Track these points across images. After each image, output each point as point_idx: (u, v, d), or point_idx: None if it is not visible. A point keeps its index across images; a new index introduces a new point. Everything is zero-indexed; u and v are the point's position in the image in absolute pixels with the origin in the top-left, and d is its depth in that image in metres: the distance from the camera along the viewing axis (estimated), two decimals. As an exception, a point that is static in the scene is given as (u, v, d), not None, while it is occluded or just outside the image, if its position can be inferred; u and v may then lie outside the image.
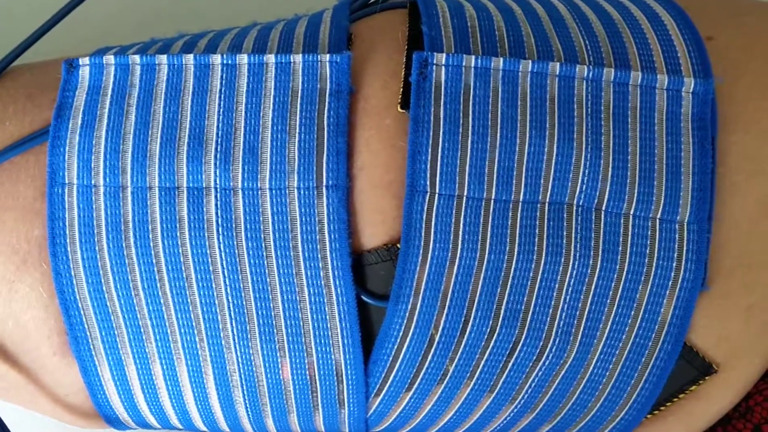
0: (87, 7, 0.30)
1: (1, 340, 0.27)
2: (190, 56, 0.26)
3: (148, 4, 0.41)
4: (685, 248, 0.25)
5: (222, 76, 0.26)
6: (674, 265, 0.25)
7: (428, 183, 0.24)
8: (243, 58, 0.26)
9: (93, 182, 0.25)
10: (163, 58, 0.26)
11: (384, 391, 0.27)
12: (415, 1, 0.28)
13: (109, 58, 0.26)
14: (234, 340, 0.26)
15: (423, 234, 0.25)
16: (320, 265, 0.25)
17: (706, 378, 0.26)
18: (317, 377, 0.26)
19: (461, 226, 0.25)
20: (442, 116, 0.25)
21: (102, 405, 0.28)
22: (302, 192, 0.25)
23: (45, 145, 0.26)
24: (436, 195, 0.24)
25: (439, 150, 0.25)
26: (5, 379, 0.28)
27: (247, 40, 0.27)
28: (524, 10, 0.28)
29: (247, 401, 0.27)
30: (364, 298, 0.25)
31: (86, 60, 0.26)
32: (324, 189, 0.25)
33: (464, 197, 0.25)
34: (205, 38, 0.28)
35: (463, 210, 0.25)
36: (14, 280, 0.26)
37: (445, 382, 0.26)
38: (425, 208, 0.24)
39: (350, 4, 0.29)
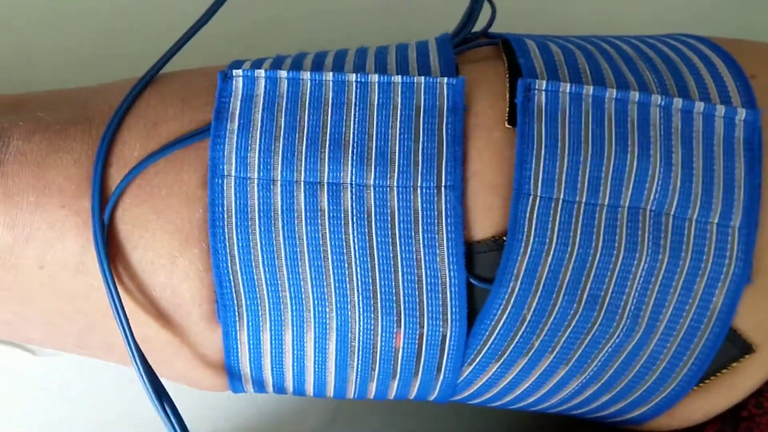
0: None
1: (159, 305, 0.31)
2: (330, 73, 0.30)
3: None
4: (735, 248, 0.30)
5: (356, 92, 0.30)
6: (726, 262, 0.30)
7: (531, 187, 0.29)
8: (374, 77, 0.30)
9: (248, 175, 0.29)
10: (306, 74, 0.30)
11: (476, 361, 0.31)
12: (506, 40, 0.33)
13: (260, 72, 0.31)
14: (359, 312, 0.30)
15: (525, 229, 0.29)
16: (437, 251, 0.29)
17: (746, 356, 0.31)
18: (424, 346, 0.31)
19: (557, 224, 0.29)
20: (543, 133, 0.29)
21: (232, 365, 0.32)
22: (424, 190, 0.29)
23: (202, 141, 0.30)
24: (538, 197, 0.29)
25: (542, 160, 0.29)
26: (151, 342, 0.32)
27: (368, 62, 0.32)
28: (598, 49, 0.33)
29: (359, 366, 0.32)
30: (471, 280, 0.30)
31: (239, 72, 0.31)
32: (443, 189, 0.29)
33: (560, 200, 0.29)
34: (328, 56, 0.32)
35: (558, 211, 0.29)
36: (177, 255, 0.30)
37: (529, 355, 0.31)
38: (528, 208, 0.29)
39: (451, 39, 0.33)
